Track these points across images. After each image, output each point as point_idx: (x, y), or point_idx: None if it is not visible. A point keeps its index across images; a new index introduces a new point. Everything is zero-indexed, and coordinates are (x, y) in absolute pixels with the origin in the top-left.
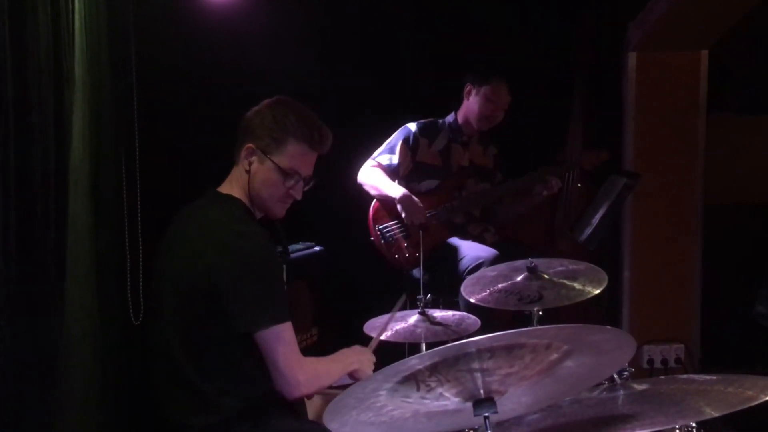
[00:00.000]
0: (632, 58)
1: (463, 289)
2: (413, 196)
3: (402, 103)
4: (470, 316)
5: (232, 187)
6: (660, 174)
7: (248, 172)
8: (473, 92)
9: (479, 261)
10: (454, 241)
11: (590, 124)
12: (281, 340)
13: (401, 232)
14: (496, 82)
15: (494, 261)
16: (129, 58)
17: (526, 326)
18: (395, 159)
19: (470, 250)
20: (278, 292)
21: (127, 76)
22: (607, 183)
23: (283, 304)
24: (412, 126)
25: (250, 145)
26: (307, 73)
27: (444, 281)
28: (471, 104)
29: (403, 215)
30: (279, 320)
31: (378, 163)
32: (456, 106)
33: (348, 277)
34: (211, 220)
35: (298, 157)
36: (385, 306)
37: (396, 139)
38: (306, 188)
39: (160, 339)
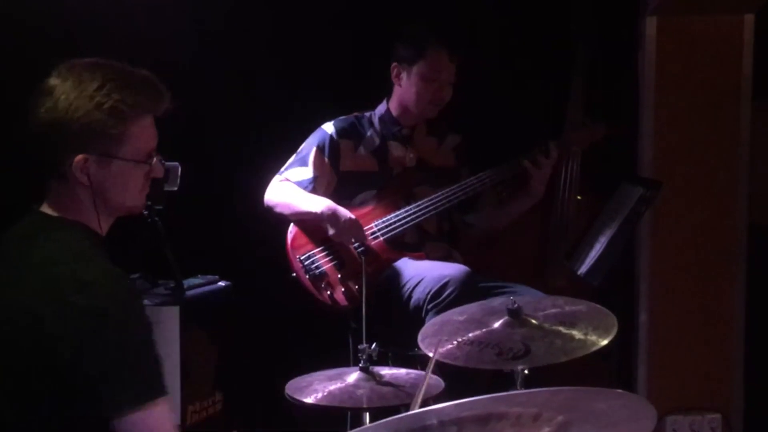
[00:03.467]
0: (651, 25)
1: (421, 339)
2: (340, 207)
3: (325, 97)
4: (431, 375)
5: (63, 205)
6: (688, 182)
7: (89, 185)
8: (404, 74)
9: (444, 280)
10: (404, 262)
11: (594, 113)
12: (148, 428)
13: (332, 260)
14: (432, 53)
15: (465, 281)
16: None
17: (508, 389)
18: (309, 172)
19: (428, 269)
20: (143, 361)
21: None
22: (617, 195)
23: (151, 376)
24: (329, 127)
25: (82, 156)
26: (196, 59)
27: (396, 322)
28: (405, 89)
29: (331, 233)
30: (144, 400)
31: (286, 179)
32: (387, 92)
33: (264, 322)
34: (41, 260)
35: (146, 133)
36: (315, 362)
37: (308, 146)
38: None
39: None
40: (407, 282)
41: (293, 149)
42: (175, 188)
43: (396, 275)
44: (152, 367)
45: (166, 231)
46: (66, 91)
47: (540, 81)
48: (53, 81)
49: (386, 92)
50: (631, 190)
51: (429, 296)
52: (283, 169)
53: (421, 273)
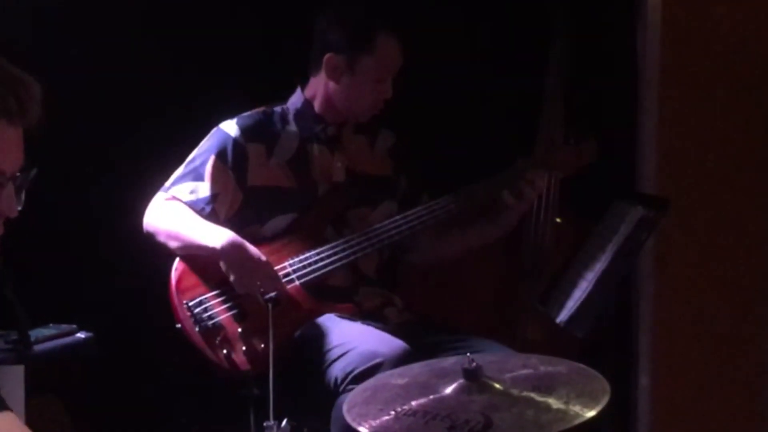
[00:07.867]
0: None
1: (347, 409)
2: (248, 244)
3: (219, 84)
4: None
5: None
6: (704, 199)
7: None
8: (344, 67)
9: (375, 361)
10: (328, 322)
11: (578, 110)
12: None
13: (230, 309)
14: (383, 44)
15: (402, 361)
16: None
17: None
18: (206, 189)
19: (357, 339)
20: None
21: None
22: (609, 217)
23: None
24: (230, 127)
25: None
26: (43, 32)
27: (311, 397)
28: (345, 88)
29: (233, 278)
30: None
31: (173, 196)
32: (300, 79)
33: (138, 386)
34: None
35: None
36: None
37: (203, 153)
38: (20, 191)
39: None
40: (329, 351)
41: (177, 155)
42: (19, 208)
43: (315, 337)
44: None
45: (7, 266)
46: None
47: (506, 66)
48: None
49: (296, 76)
50: (628, 211)
51: (351, 376)
52: (169, 183)
53: (348, 343)
